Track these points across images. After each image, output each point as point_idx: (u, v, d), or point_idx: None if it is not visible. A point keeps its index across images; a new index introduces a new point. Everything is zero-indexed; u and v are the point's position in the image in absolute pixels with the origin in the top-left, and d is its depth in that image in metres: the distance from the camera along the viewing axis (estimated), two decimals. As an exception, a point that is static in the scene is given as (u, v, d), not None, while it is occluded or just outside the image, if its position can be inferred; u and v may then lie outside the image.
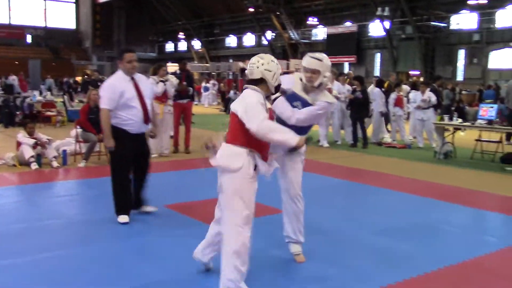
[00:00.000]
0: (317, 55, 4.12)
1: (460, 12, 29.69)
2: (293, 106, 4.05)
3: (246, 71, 3.59)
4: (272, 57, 3.59)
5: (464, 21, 29.83)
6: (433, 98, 11.76)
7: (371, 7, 32.34)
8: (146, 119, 5.21)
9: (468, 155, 10.38)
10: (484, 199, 6.89)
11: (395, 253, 4.51)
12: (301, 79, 4.12)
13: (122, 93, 5.03)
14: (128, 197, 5.28)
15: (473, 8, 28.48)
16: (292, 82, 4.13)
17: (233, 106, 3.49)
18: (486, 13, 27.97)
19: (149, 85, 5.54)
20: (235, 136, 3.46)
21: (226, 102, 20.67)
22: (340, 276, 3.93)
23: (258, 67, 3.49)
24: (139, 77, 5.30)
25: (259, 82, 3.51)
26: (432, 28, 30.31)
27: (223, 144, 3.50)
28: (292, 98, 4.09)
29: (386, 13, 31.34)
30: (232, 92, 21.71)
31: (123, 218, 5.15)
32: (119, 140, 5.09)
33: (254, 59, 3.56)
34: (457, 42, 30.24)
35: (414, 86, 13.58)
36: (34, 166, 7.92)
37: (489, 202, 6.79)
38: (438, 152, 10.21)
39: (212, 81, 29.50)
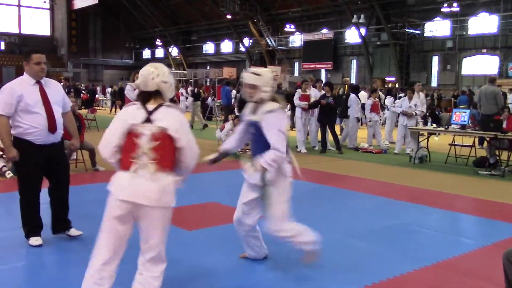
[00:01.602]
0: (258, 70, 3.96)
1: (434, 19, 30.29)
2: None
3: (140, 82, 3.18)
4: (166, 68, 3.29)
5: (437, 28, 30.44)
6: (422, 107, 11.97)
7: (347, 15, 32.75)
8: (52, 127, 4.50)
9: (442, 159, 10.58)
10: (458, 202, 7.04)
11: (371, 255, 4.58)
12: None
13: (21, 98, 4.38)
14: (37, 216, 4.65)
15: (446, 15, 29.09)
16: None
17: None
18: (458, 20, 28.59)
19: (60, 90, 4.79)
20: None
21: (205, 109, 20.55)
22: (317, 277, 3.98)
23: (153, 78, 3.14)
24: (48, 81, 4.65)
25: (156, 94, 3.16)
26: (406, 35, 30.86)
27: None
28: (249, 124, 4.04)
29: (361, 21, 31.81)
30: (210, 99, 21.65)
31: (36, 240, 4.54)
32: (23, 152, 4.45)
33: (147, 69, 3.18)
34: (431, 49, 30.84)
35: (390, 92, 13.81)
36: (8, 175, 7.79)
37: (463, 205, 6.94)
38: (413, 156, 10.38)
39: (190, 88, 29.37)
